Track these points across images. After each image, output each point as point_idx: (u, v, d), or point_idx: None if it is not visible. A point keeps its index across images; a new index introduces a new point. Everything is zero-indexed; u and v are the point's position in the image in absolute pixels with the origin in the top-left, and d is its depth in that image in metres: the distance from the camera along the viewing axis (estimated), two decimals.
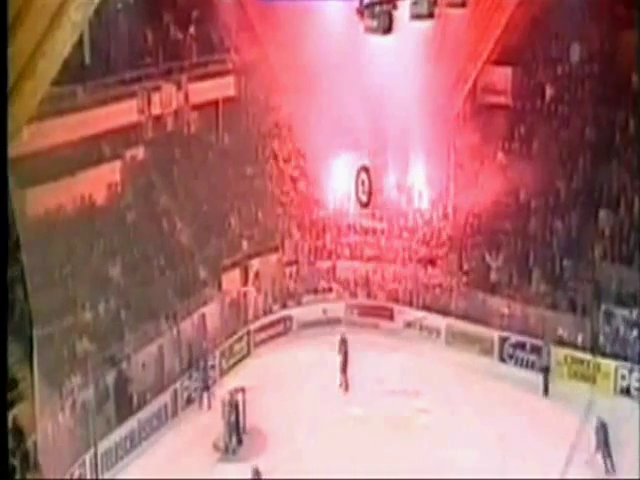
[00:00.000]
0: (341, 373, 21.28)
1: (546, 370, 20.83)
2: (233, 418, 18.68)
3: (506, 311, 22.66)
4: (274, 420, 19.52)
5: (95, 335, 18.54)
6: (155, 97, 23.22)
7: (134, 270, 21.19)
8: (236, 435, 18.66)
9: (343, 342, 21.46)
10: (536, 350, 21.61)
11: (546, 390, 20.79)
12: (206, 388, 20.46)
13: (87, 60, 21.59)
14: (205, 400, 20.41)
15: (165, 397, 19.65)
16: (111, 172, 22.00)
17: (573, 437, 17.31)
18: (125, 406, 18.76)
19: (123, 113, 22.19)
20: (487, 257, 23.74)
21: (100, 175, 21.33)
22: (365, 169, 22.32)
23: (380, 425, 19.42)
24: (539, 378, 21.03)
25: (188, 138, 25.09)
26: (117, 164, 22.04)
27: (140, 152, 23.13)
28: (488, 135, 25.71)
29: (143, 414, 18.89)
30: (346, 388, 21.15)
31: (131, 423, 18.54)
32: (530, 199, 24.09)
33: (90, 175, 20.70)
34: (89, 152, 20.83)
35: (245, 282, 24.00)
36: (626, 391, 20.24)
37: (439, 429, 19.34)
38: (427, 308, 24.23)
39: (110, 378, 18.55)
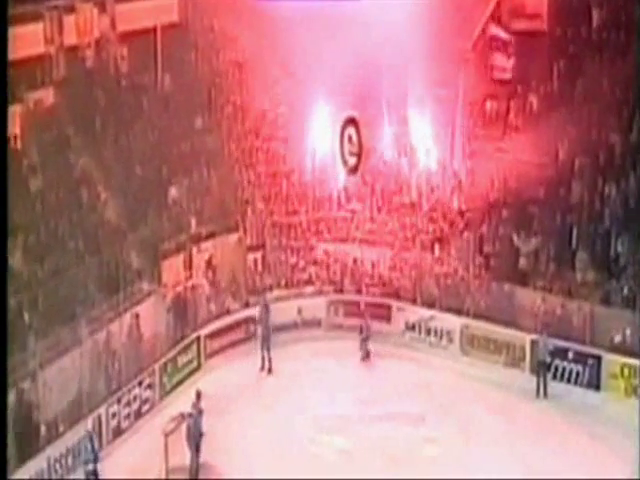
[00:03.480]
0: (262, 350, 22.73)
1: (542, 366, 21.32)
2: (178, 455, 18.45)
3: (541, 308, 22.47)
4: (231, 455, 19.40)
5: None
6: (69, 21, 23.25)
7: (41, 256, 20.82)
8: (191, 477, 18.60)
9: (265, 309, 22.86)
10: (582, 359, 21.59)
11: (538, 391, 21.34)
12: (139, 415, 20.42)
13: None
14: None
15: (85, 427, 18.95)
16: (8, 121, 20.90)
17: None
18: (28, 440, 18.30)
19: (24, 42, 21.72)
20: (515, 237, 23.56)
21: None
22: (352, 121, 23.15)
23: (372, 461, 19.26)
24: (587, 396, 21.15)
25: (115, 79, 25.15)
26: (16, 110, 21.69)
27: (48, 96, 22.99)
28: (516, 73, 25.61)
29: (54, 451, 18.41)
30: (269, 370, 22.58)
31: (37, 463, 18.05)
32: (573, 158, 23.95)
33: None
34: None
35: (191, 272, 23.76)
36: None
37: (450, 464, 19.13)
38: (435, 305, 24.13)
39: (8, 402, 17.33)
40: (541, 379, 21.47)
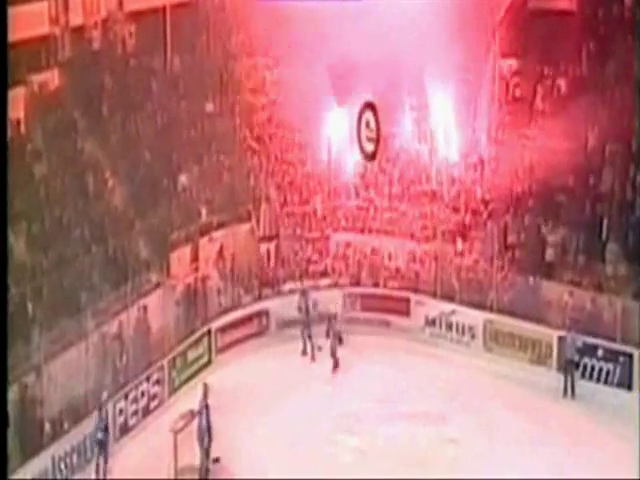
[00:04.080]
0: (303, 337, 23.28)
1: (570, 365, 21.22)
2: (187, 454, 18.44)
3: (569, 303, 22.41)
4: (243, 454, 19.33)
5: None
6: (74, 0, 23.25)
7: (46, 245, 20.75)
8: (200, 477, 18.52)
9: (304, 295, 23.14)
10: (612, 357, 21.46)
11: (566, 391, 21.25)
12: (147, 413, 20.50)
13: None
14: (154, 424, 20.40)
15: (91, 424, 19.02)
16: (11, 105, 21.08)
17: None
18: (32, 437, 18.28)
19: (28, 22, 21.89)
20: (542, 227, 23.52)
21: None
22: (370, 106, 22.40)
23: (389, 463, 19.16)
24: (618, 396, 20.97)
25: (123, 60, 25.11)
26: (19, 93, 21.70)
27: (53, 78, 23.04)
28: (543, 55, 25.43)
29: (58, 449, 18.36)
30: (313, 358, 22.88)
31: (41, 461, 18.00)
32: (603, 144, 23.80)
33: None
34: None
35: (201, 263, 23.78)
36: None
37: (473, 466, 19.04)
38: (457, 299, 24.08)
39: (11, 398, 17.60)
40: (569, 378, 21.26)
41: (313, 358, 23.03)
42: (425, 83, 26.41)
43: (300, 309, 23.66)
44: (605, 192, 23.34)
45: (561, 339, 22.01)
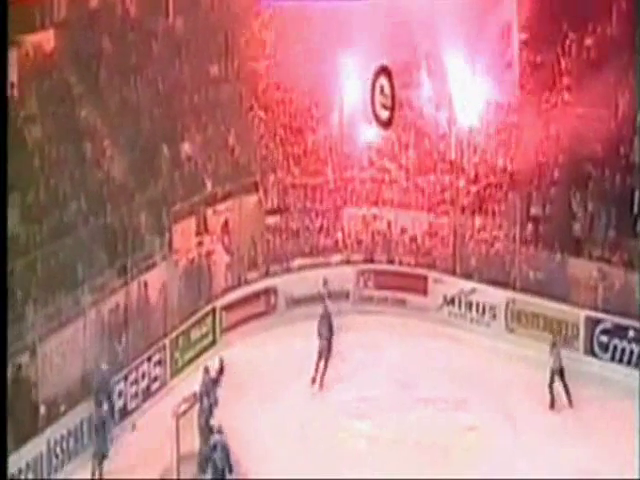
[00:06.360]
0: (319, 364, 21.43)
1: (557, 375, 20.57)
2: (190, 439, 18.29)
3: (597, 281, 22.30)
4: (249, 440, 19.20)
5: None
6: None
7: (40, 216, 20.82)
8: (199, 464, 18.20)
9: (325, 318, 21.50)
10: None
11: (552, 404, 20.56)
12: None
13: None
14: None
15: (89, 407, 19.08)
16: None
17: None
18: (26, 421, 18.27)
19: None
20: (569, 199, 23.48)
21: None
22: (385, 71, 22.66)
23: (406, 449, 19.20)
24: None
25: (122, 21, 25.23)
26: (12, 55, 21.69)
27: (48, 39, 23.07)
28: (569, 13, 25.17)
29: (54, 432, 18.38)
30: (320, 386, 21.39)
31: (35, 446, 18.01)
32: (635, 110, 23.50)
33: None
34: None
35: (205, 237, 23.86)
36: None
37: (494, 454, 19.01)
38: (477, 276, 24.11)
39: (5, 378, 17.77)
40: (555, 388, 20.49)
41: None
42: (443, 46, 26.16)
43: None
44: (637, 162, 23.10)
45: (589, 320, 21.85)
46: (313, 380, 21.30)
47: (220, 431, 17.85)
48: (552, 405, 20.39)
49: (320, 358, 21.30)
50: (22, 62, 22.19)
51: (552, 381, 20.42)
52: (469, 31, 25.66)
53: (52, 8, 23.16)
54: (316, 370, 21.32)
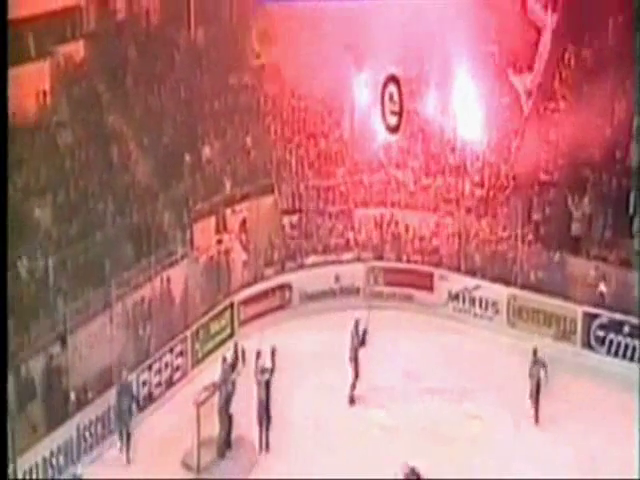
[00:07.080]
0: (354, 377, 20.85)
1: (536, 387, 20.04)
2: (209, 426, 18.46)
3: (595, 278, 22.30)
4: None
5: (14, 308, 17.42)
6: None
7: (71, 215, 21.08)
8: (218, 449, 18.57)
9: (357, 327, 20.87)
10: (638, 333, 21.30)
11: (537, 417, 20.07)
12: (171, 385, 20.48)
13: None
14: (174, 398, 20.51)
15: (115, 394, 19.13)
16: (37, 76, 21.76)
17: None
18: (57, 407, 18.55)
19: None
20: (568, 201, 23.42)
21: (21, 80, 20.88)
22: (394, 79, 22.26)
23: (412, 437, 19.25)
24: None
25: (147, 32, 25.47)
26: (45, 65, 22.14)
27: (78, 49, 23.40)
28: (568, 25, 25.33)
29: (83, 418, 18.65)
30: (351, 401, 20.75)
31: (66, 431, 18.27)
32: (631, 117, 23.53)
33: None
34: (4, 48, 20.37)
35: (225, 235, 23.94)
36: None
37: (496, 444, 19.12)
38: (481, 274, 24.08)
39: (36, 368, 18.24)
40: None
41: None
42: (450, 56, 26.22)
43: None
44: (632, 166, 23.10)
45: (586, 315, 21.91)
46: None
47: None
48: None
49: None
50: (54, 71, 22.35)
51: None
52: (475, 42, 25.65)
53: (82, 20, 23.22)
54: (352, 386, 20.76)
